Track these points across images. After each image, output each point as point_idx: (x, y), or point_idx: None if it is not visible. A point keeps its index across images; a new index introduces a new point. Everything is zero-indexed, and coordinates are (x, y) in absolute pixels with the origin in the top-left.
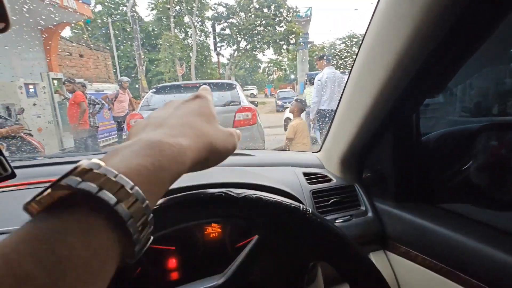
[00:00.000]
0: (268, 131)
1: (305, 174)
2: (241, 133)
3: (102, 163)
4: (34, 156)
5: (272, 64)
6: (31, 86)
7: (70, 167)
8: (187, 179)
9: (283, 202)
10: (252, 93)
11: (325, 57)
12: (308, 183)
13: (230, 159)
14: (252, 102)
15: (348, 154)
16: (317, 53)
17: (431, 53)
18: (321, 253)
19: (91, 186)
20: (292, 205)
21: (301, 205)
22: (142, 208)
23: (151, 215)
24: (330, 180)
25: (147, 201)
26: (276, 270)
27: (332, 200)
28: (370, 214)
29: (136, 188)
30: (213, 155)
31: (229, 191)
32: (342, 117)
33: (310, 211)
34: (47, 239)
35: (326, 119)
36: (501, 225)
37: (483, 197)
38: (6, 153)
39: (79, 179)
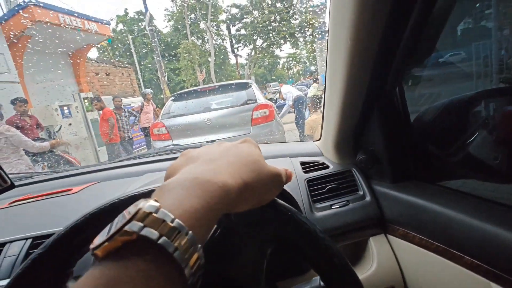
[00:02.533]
0: (291, 126)
1: (302, 163)
2: (290, 172)
3: (158, 205)
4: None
5: (291, 59)
6: (65, 108)
7: (90, 176)
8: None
9: None
10: (277, 90)
11: None
12: (304, 171)
13: None
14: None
15: (340, 138)
16: None
17: (388, 22)
18: (279, 235)
19: (153, 233)
20: None
21: None
22: (195, 252)
23: (203, 259)
24: (327, 167)
25: (199, 245)
26: (236, 253)
27: (328, 187)
28: (368, 198)
29: (190, 232)
30: (257, 196)
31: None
32: (328, 102)
33: None
34: None
35: None
36: (506, 199)
37: (488, 170)
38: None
39: (141, 224)
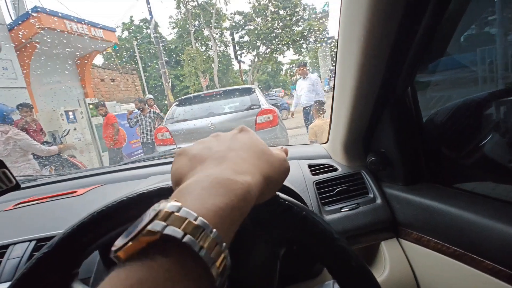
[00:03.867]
0: (295, 131)
1: (310, 166)
2: (286, 149)
3: (180, 204)
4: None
5: (293, 65)
6: (70, 113)
7: (95, 179)
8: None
9: None
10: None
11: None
12: (313, 174)
13: None
14: (274, 104)
15: (349, 140)
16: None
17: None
18: (292, 236)
19: (176, 231)
20: None
21: None
22: (221, 251)
23: (229, 258)
24: (336, 169)
25: (224, 244)
26: (248, 255)
27: (337, 190)
28: (378, 200)
29: (215, 231)
30: (273, 186)
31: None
32: (338, 104)
33: (279, 194)
34: None
35: None
36: None
37: (504, 172)
38: (53, 173)
39: (163, 223)
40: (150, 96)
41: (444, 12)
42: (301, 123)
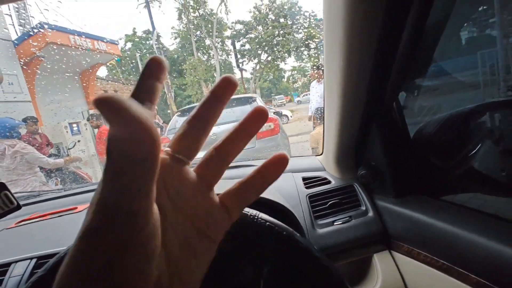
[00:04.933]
0: (297, 138)
1: (304, 179)
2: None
3: None
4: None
5: (295, 72)
6: (74, 125)
7: (88, 196)
8: None
9: None
10: (283, 103)
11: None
12: (306, 187)
13: (231, 172)
14: (275, 113)
15: (341, 153)
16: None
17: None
18: (274, 255)
19: None
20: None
21: (249, 211)
22: None
23: None
24: (329, 182)
25: None
26: (231, 274)
27: (330, 202)
28: (370, 213)
29: None
30: None
31: None
32: (328, 117)
33: (259, 215)
34: None
35: None
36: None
37: (494, 183)
38: (60, 186)
39: None
40: None
41: (424, 23)
42: (303, 130)
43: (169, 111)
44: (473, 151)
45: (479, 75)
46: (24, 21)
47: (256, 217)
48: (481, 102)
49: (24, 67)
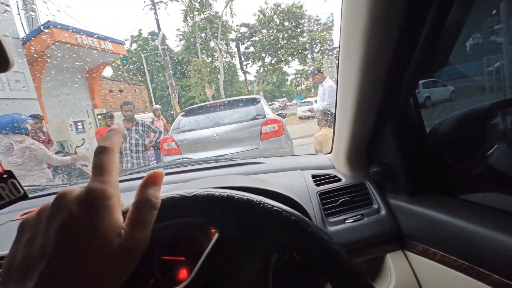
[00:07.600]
0: (301, 141)
1: (314, 176)
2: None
3: None
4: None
5: (299, 75)
6: (79, 123)
7: None
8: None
9: (235, 196)
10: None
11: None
12: (316, 184)
13: (241, 169)
14: (279, 114)
15: (353, 150)
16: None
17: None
18: (282, 241)
19: None
20: (245, 198)
21: (255, 197)
22: None
23: None
24: (339, 180)
25: None
26: (238, 265)
27: (341, 200)
28: (383, 212)
29: None
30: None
31: (181, 192)
32: (340, 114)
33: (264, 201)
34: None
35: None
36: None
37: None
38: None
39: None
40: (158, 106)
41: (444, 21)
42: (307, 132)
43: (172, 112)
44: (489, 151)
45: (485, 81)
46: (32, 20)
47: (262, 203)
48: (495, 100)
49: (31, 65)
